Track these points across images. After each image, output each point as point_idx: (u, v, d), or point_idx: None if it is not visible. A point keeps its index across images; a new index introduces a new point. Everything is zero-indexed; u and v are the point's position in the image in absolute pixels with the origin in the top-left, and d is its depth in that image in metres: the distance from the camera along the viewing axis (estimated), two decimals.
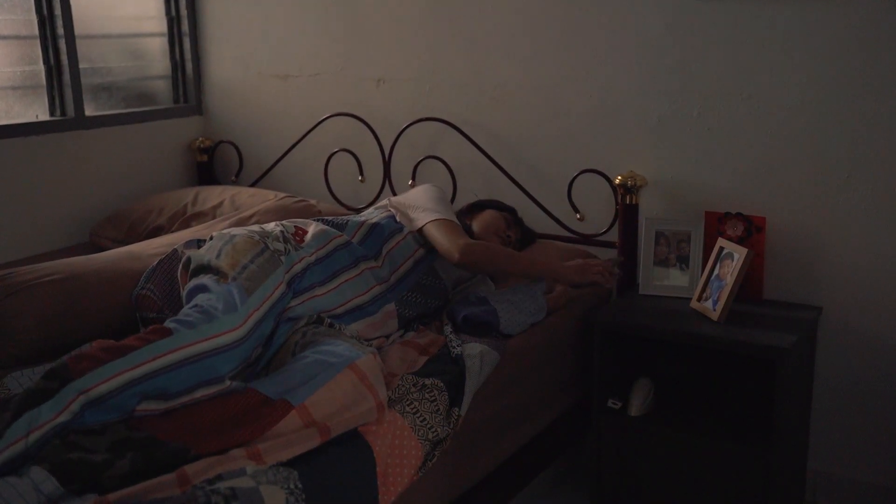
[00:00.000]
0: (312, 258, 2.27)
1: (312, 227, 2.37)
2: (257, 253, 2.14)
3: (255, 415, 1.74)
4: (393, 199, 2.64)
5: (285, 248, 2.22)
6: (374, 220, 2.49)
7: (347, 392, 1.83)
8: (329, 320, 2.18)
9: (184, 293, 2.14)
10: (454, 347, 2.19)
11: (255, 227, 2.30)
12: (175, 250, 2.38)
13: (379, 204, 2.67)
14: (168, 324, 1.88)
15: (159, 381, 1.76)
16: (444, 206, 2.58)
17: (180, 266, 2.24)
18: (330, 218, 2.49)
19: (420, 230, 2.49)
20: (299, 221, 2.42)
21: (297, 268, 2.21)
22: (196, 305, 1.96)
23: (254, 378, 1.98)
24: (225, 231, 2.28)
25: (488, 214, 2.70)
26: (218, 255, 2.12)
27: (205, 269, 2.12)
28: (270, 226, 2.34)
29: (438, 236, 2.44)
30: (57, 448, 1.60)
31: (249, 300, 1.99)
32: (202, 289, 2.05)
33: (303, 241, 2.31)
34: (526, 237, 2.79)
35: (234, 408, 1.75)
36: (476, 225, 2.65)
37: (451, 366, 2.13)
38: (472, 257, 2.38)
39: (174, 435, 1.67)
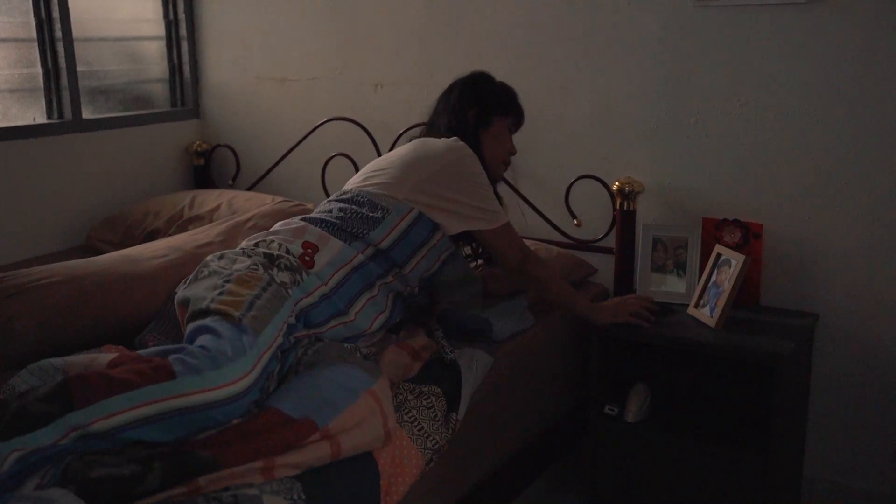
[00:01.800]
0: (328, 287, 2.09)
1: (324, 253, 2.13)
2: (262, 287, 1.95)
3: (280, 432, 1.68)
4: (423, 176, 2.29)
5: (293, 279, 2.04)
6: (395, 237, 2.21)
7: (366, 417, 1.79)
8: (328, 339, 2.08)
9: (185, 331, 1.91)
10: (447, 353, 2.18)
11: (259, 253, 2.08)
12: (175, 293, 2.17)
13: (403, 180, 2.29)
14: (174, 364, 1.69)
15: (156, 428, 1.63)
16: (490, 191, 2.37)
17: (176, 301, 2.04)
18: (337, 220, 2.22)
19: (480, 233, 2.36)
20: (312, 234, 2.17)
21: (311, 299, 2.05)
22: (203, 347, 1.75)
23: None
24: (222, 266, 2.05)
25: (496, 132, 2.46)
26: (220, 294, 1.90)
27: (204, 313, 1.86)
28: (273, 245, 2.11)
29: (502, 244, 2.37)
30: (79, 468, 1.52)
31: (258, 341, 1.80)
32: (207, 330, 1.82)
33: (312, 264, 2.10)
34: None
35: (257, 425, 1.69)
36: (485, 142, 2.43)
37: (445, 372, 2.12)
38: (531, 276, 2.41)
39: (200, 444, 1.62)
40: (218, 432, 1.66)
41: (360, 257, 2.17)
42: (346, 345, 2.09)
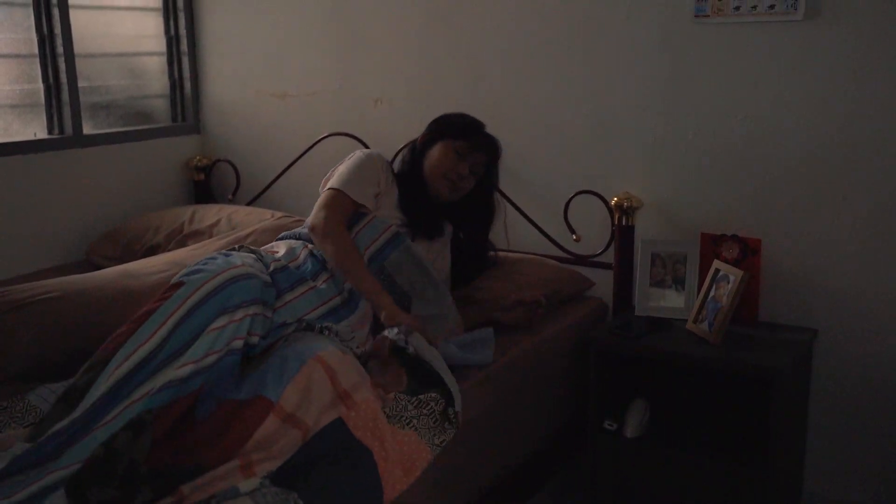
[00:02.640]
0: (289, 262, 2.30)
1: (281, 250, 2.38)
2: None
3: (239, 417, 1.77)
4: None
5: (256, 258, 2.25)
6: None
7: (313, 382, 1.84)
8: (319, 325, 2.12)
9: None
10: (403, 345, 2.09)
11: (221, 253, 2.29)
12: None
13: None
14: (174, 280, 2.01)
15: (193, 321, 1.89)
16: (355, 174, 2.46)
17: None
18: (296, 231, 2.52)
19: None
20: (270, 245, 2.46)
21: (276, 265, 2.24)
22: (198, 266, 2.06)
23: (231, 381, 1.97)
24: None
25: (437, 151, 2.52)
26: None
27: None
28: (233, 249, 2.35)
29: (319, 203, 2.41)
30: (76, 486, 1.62)
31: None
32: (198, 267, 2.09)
33: (273, 255, 2.35)
34: (490, 162, 2.60)
35: (218, 420, 1.79)
36: (427, 157, 2.54)
37: (429, 374, 2.05)
38: (316, 239, 2.36)
39: (178, 455, 1.69)
40: (189, 437, 1.76)
41: (311, 246, 2.38)
42: (339, 335, 2.12)
